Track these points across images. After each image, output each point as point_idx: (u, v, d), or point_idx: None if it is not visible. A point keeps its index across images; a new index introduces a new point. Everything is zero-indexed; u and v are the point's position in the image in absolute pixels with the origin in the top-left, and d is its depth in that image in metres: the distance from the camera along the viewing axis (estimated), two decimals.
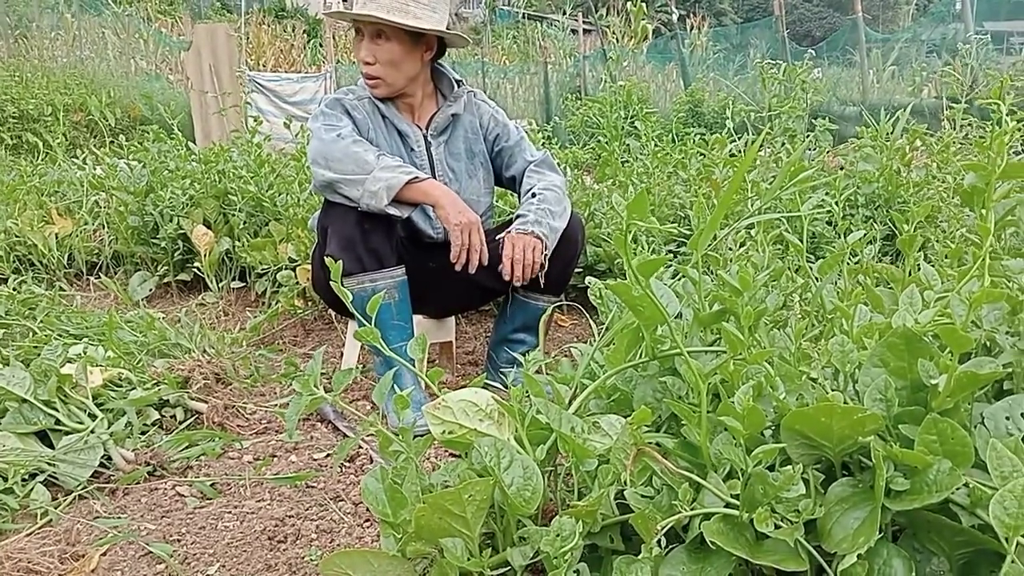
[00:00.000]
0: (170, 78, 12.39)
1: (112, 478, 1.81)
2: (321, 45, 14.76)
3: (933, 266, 1.68)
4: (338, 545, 1.53)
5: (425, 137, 2.33)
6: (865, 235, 2.04)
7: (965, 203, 1.31)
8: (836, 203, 1.84)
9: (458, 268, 2.12)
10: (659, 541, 0.98)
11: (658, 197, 3.01)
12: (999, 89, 1.35)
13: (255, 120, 3.82)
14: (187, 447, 1.95)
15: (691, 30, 15.32)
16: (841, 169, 3.28)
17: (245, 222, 3.44)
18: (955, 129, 3.50)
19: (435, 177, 2.29)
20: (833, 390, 1.09)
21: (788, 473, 0.94)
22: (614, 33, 14.20)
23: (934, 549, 0.97)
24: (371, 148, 2.15)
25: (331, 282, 1.32)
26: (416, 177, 2.09)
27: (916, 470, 0.93)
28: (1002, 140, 1.09)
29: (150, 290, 3.54)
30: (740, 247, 1.96)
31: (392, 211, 2.08)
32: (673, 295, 1.27)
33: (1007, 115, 1.25)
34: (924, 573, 0.96)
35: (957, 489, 0.92)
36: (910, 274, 1.52)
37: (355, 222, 2.11)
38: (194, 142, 7.52)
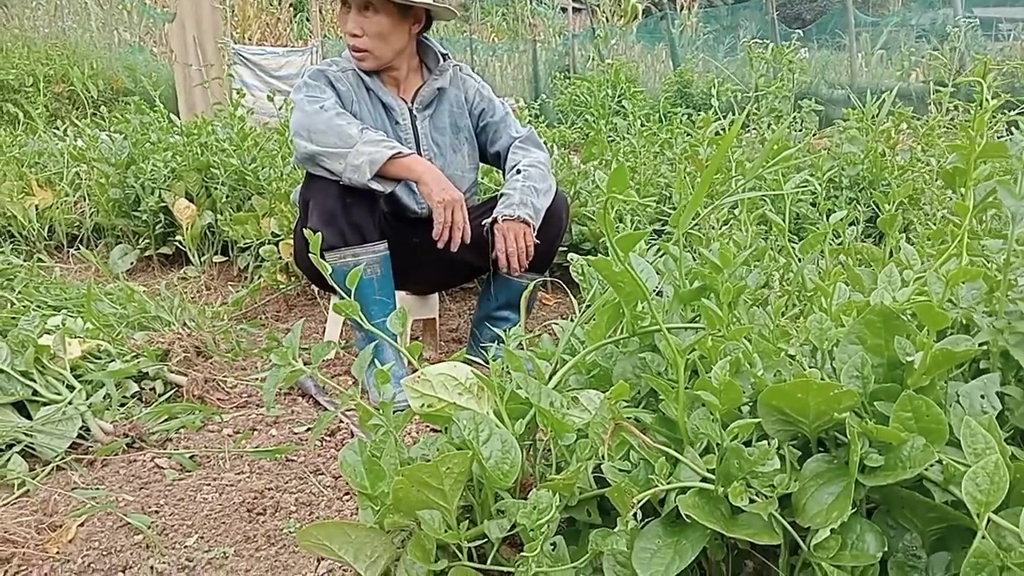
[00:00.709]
0: (154, 50, 12.19)
1: (90, 449, 1.80)
2: (308, 19, 14.58)
3: (914, 247, 1.69)
4: (317, 517, 1.53)
5: (410, 111, 2.31)
6: (848, 216, 2.05)
7: (947, 184, 1.32)
8: (819, 184, 1.84)
9: (440, 245, 2.11)
10: (635, 515, 0.99)
11: (644, 176, 3.01)
12: (982, 69, 1.34)
13: (238, 93, 3.78)
14: (166, 419, 1.94)
15: (681, 10, 15.25)
16: (827, 151, 3.28)
17: (228, 196, 3.41)
18: (941, 113, 3.50)
19: (420, 151, 2.28)
20: (811, 367, 1.09)
21: (763, 448, 0.94)
22: (604, 12, 14.14)
23: (907, 525, 0.98)
24: (354, 121, 2.13)
25: (310, 255, 1.31)
26: (399, 152, 2.07)
27: (890, 447, 0.94)
28: (982, 120, 1.09)
29: (131, 263, 3.52)
30: (723, 226, 1.96)
31: (375, 186, 2.06)
32: (653, 271, 1.27)
33: (989, 96, 1.25)
34: (897, 548, 0.97)
35: (931, 466, 0.93)
36: (891, 254, 1.52)
37: (337, 196, 2.09)
38: (178, 115, 7.45)
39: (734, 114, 3.54)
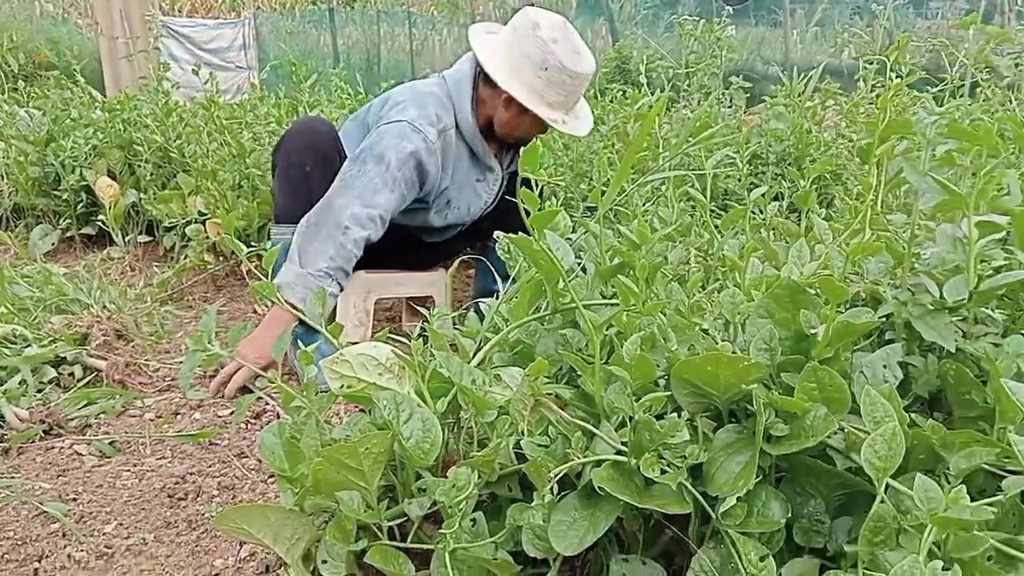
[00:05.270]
0: (79, 23, 11.75)
1: (5, 437, 1.74)
2: None
3: (832, 222, 1.73)
4: (240, 501, 1.51)
5: (502, 177, 2.41)
6: (771, 191, 2.09)
7: (863, 160, 1.35)
8: (743, 160, 1.86)
9: (211, 393, 2.00)
10: (553, 488, 1.00)
11: (576, 152, 3.01)
12: (895, 48, 1.38)
13: (163, 66, 3.66)
14: (85, 405, 1.89)
15: None
16: (757, 127, 3.33)
17: (152, 174, 3.30)
18: (867, 89, 3.57)
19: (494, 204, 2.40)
20: (723, 341, 1.11)
21: (673, 420, 0.96)
22: None
23: (812, 492, 1.01)
24: (352, 257, 1.99)
25: (225, 236, 1.28)
26: (296, 304, 1.89)
27: (795, 416, 0.96)
28: (886, 98, 1.12)
29: (52, 244, 3.39)
30: (648, 203, 1.98)
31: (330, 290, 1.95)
32: (569, 249, 1.28)
33: (899, 74, 1.28)
34: (802, 514, 1.00)
35: (834, 434, 0.96)
36: (808, 229, 1.56)
37: (305, 173, 2.11)
38: (103, 90, 7.19)
39: (665, 90, 3.56)
